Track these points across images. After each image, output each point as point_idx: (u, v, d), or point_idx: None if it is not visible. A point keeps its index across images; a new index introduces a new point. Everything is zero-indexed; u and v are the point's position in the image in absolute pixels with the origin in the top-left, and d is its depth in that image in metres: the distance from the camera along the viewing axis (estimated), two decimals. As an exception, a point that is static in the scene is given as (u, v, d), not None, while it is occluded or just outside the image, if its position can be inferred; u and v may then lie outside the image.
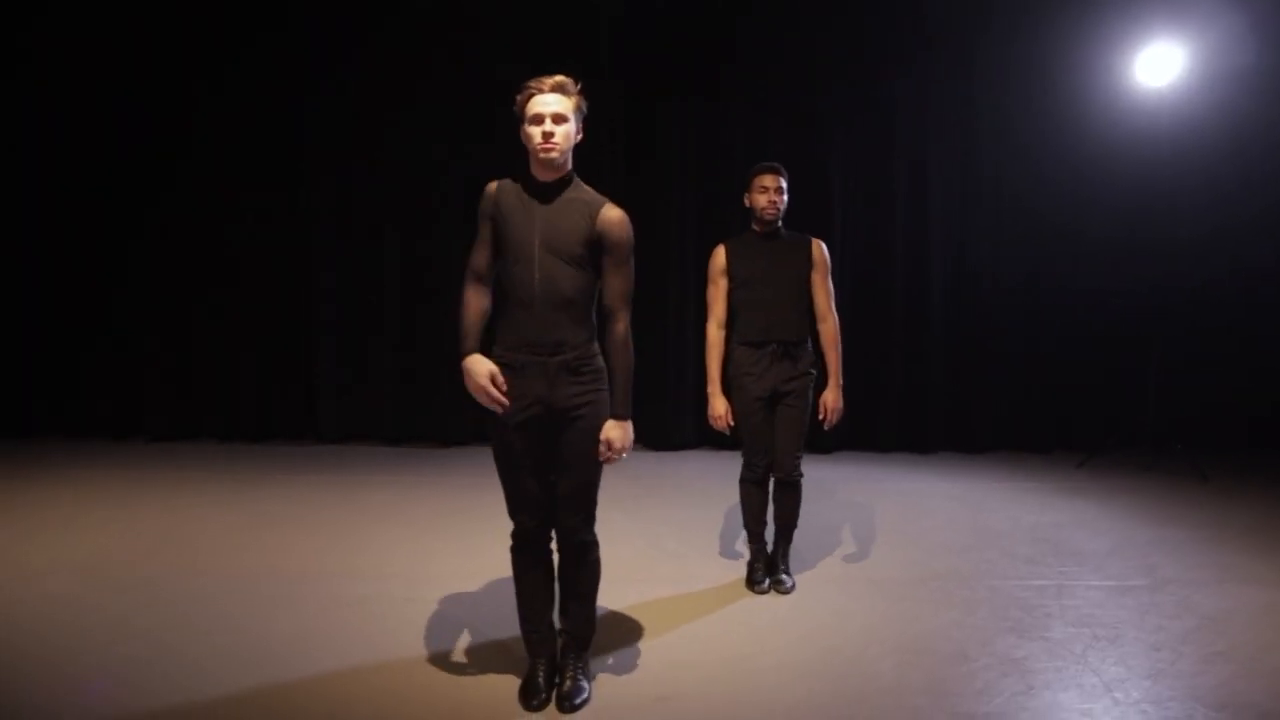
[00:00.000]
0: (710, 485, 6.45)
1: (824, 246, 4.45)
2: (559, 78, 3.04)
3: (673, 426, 8.06)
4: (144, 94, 8.07)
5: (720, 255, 4.42)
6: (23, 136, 8.14)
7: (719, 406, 4.31)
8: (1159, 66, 7.13)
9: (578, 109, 3.05)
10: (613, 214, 3.06)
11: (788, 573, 4.41)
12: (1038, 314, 8.10)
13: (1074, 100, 7.80)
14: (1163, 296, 7.62)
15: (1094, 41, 7.65)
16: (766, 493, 4.41)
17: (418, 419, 8.12)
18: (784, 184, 4.36)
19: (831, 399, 4.38)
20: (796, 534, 4.50)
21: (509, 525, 3.21)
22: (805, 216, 7.78)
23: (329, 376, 8.21)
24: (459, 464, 7.37)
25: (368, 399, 8.22)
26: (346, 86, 8.06)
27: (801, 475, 4.37)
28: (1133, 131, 7.62)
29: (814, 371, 4.38)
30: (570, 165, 3.12)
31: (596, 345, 3.11)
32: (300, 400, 8.29)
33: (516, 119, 3.07)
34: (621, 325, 3.10)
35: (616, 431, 3.08)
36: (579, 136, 3.09)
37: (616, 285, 3.09)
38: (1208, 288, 7.89)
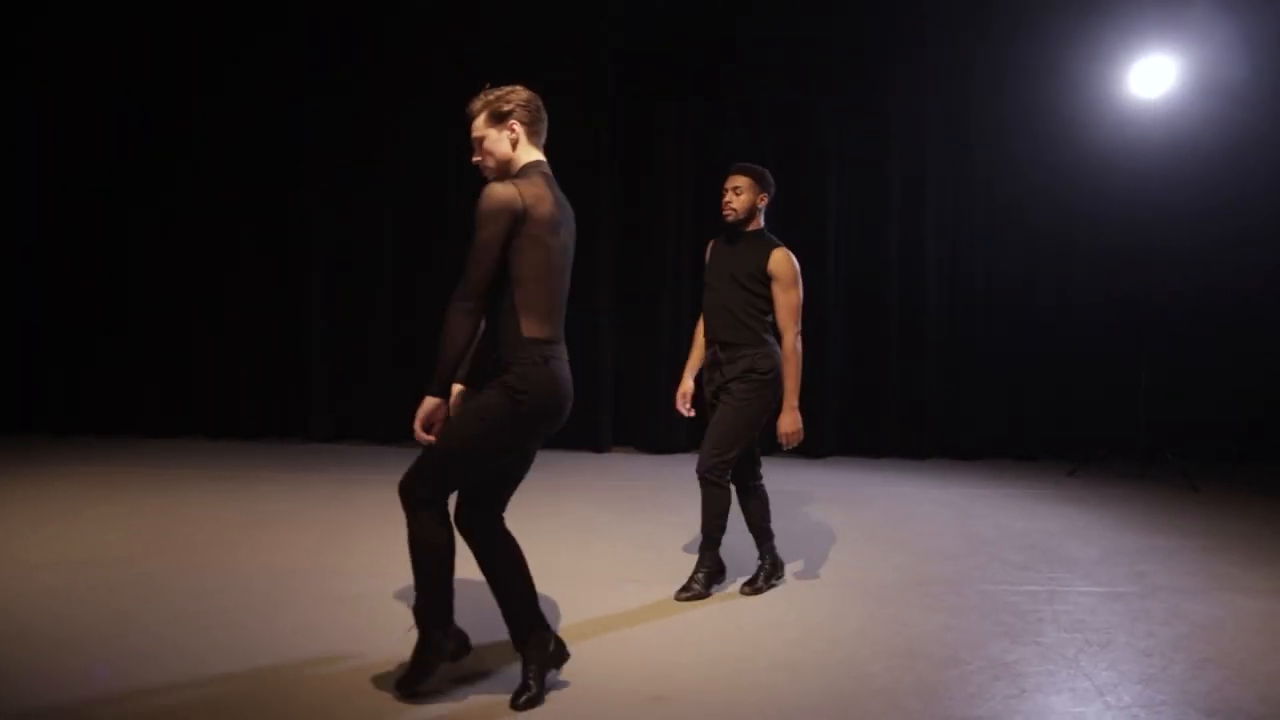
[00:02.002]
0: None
1: (787, 258, 4.24)
2: (471, 103, 3.07)
3: (669, 430, 8.08)
4: (144, 94, 8.08)
5: (707, 252, 4.53)
6: (23, 136, 8.15)
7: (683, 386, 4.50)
8: (1153, 78, 7.18)
9: (491, 117, 3.02)
10: None
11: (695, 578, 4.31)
12: (1030, 322, 8.15)
13: (1068, 111, 7.86)
14: (1155, 307, 7.67)
15: (1088, 53, 7.71)
16: (729, 495, 4.28)
17: (410, 419, 8.09)
18: (741, 185, 4.28)
19: (784, 423, 4.25)
20: (791, 537, 4.50)
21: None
22: (801, 221, 7.86)
23: (322, 376, 8.22)
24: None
25: (360, 399, 8.23)
26: (346, 88, 8.08)
27: (717, 477, 4.20)
28: (1126, 143, 7.67)
29: (763, 377, 4.19)
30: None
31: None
32: (294, 399, 8.30)
33: None
34: None
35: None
36: (512, 132, 3.02)
37: None
38: (1200, 298, 7.95)
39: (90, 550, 4.80)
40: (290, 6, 8.10)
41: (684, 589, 4.26)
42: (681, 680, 3.36)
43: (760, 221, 4.37)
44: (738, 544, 4.54)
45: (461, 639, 3.22)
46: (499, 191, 2.89)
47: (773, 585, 4.41)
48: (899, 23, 8.03)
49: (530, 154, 3.08)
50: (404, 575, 4.44)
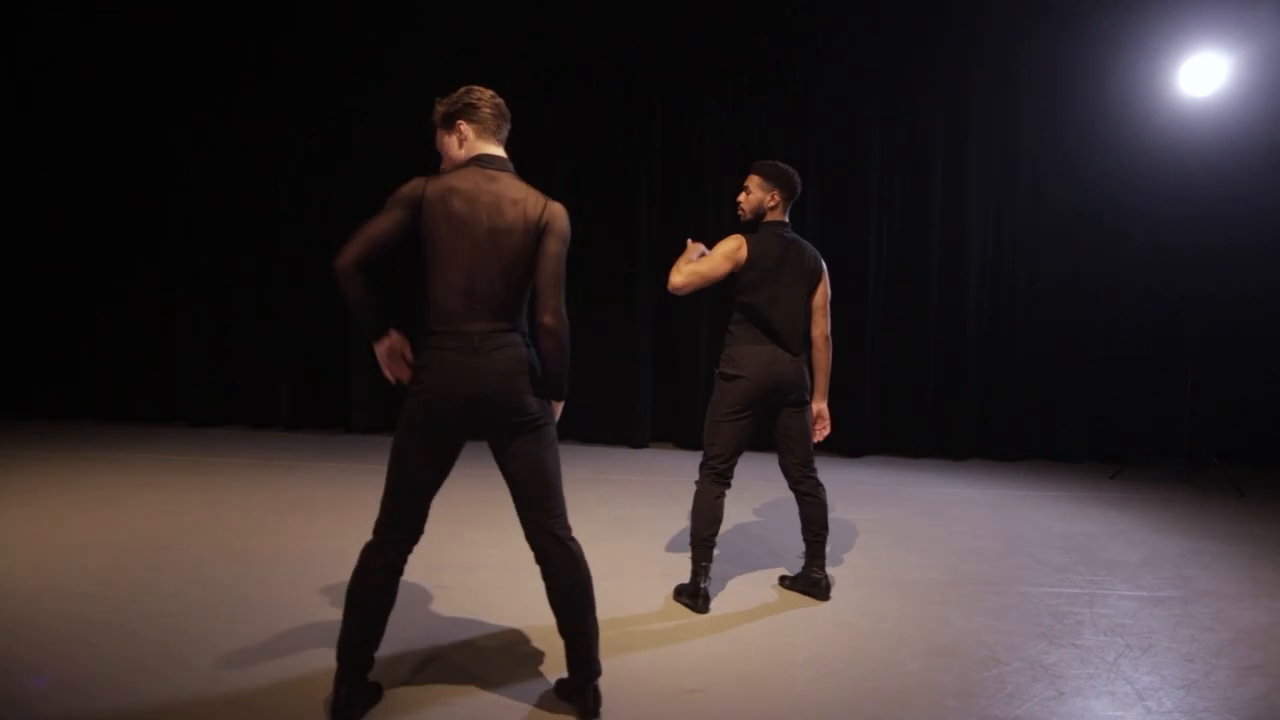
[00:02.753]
0: (740, 482, 6.45)
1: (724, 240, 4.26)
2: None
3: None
4: (188, 70, 8.23)
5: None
6: (62, 114, 8.30)
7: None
8: (1203, 76, 7.08)
9: (442, 123, 3.06)
10: None
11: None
12: (1074, 323, 8.05)
13: (1116, 109, 7.76)
14: (1201, 308, 7.56)
15: (1137, 50, 7.60)
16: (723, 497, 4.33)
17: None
18: (750, 184, 4.22)
19: None
20: (829, 535, 4.46)
21: None
22: (843, 222, 7.83)
23: (362, 368, 8.30)
24: (487, 456, 7.42)
25: (400, 392, 8.29)
26: (385, 79, 8.16)
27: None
28: (1175, 141, 7.57)
29: (717, 369, 4.40)
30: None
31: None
32: (334, 391, 8.41)
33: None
34: None
35: None
36: (460, 133, 3.02)
37: None
38: (1247, 300, 7.81)
39: (133, 534, 4.89)
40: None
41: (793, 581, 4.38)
42: (717, 673, 3.37)
43: (777, 217, 4.23)
44: (760, 537, 4.53)
45: (375, 691, 3.08)
46: (409, 181, 2.92)
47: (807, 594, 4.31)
48: (945, 20, 7.95)
49: (477, 150, 3.00)
50: (441, 565, 4.50)
